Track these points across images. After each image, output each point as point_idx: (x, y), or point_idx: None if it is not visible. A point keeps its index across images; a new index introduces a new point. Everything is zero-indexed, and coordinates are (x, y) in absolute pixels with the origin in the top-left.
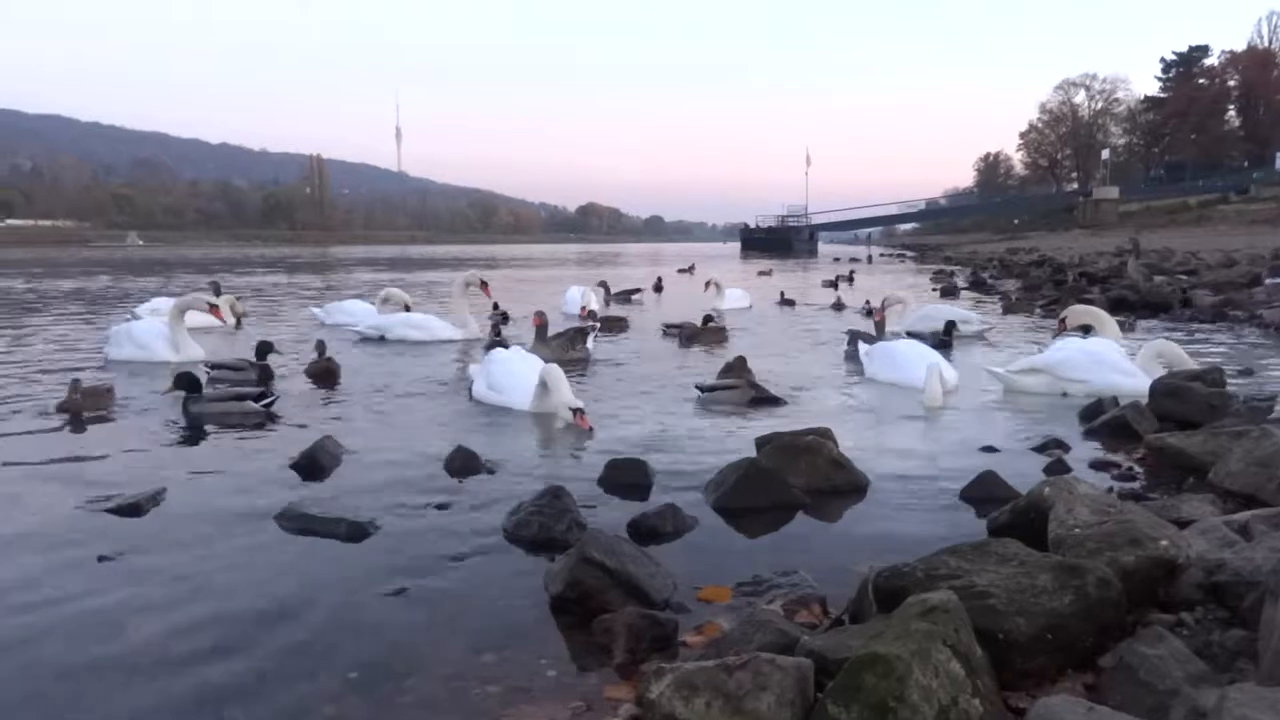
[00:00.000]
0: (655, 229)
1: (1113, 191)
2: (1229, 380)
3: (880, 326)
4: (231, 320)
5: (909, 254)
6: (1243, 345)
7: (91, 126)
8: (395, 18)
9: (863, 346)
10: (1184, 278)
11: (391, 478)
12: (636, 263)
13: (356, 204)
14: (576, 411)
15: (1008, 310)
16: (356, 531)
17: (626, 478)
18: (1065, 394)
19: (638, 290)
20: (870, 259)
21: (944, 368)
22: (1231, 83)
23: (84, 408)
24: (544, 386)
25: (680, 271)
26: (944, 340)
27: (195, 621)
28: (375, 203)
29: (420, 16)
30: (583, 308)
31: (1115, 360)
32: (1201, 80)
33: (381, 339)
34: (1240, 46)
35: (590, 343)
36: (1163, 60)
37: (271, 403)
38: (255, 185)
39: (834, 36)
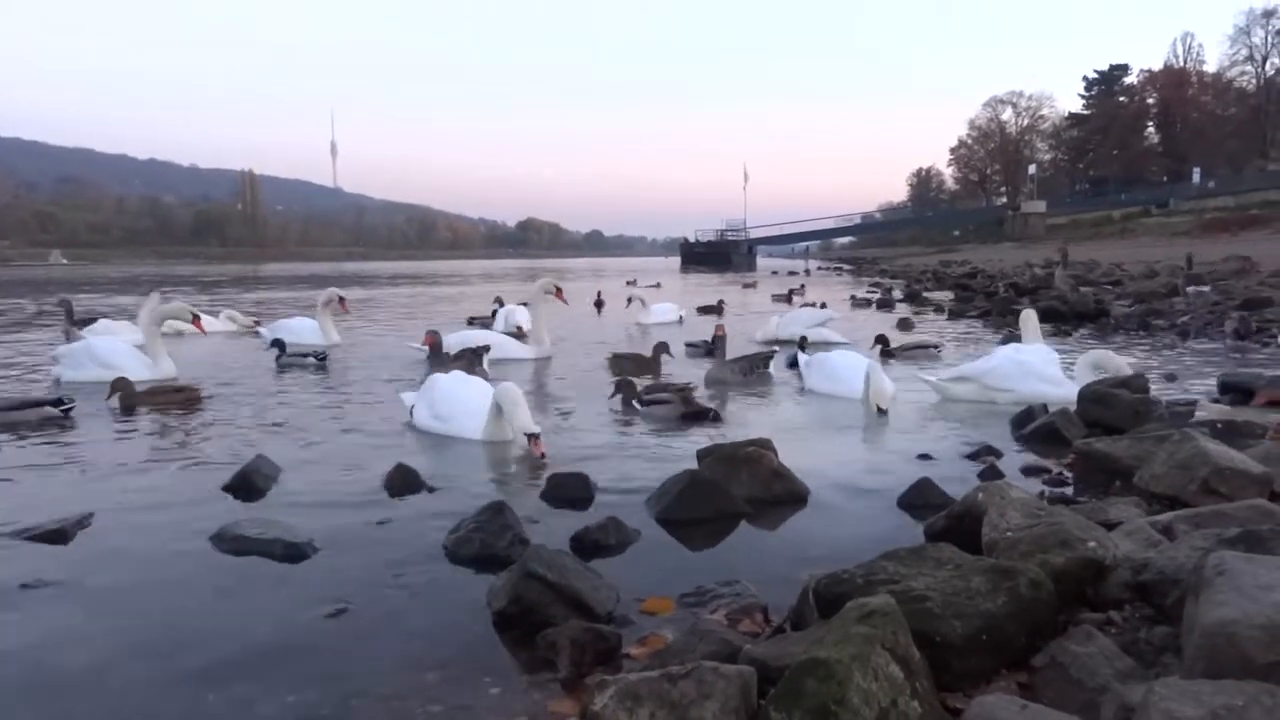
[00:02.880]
0: (596, 244)
1: (1040, 205)
2: (1153, 386)
3: (720, 343)
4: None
5: (846, 267)
6: (1165, 352)
7: (12, 142)
8: (331, 32)
9: (801, 358)
10: (1109, 288)
11: (329, 497)
12: (578, 277)
13: (291, 220)
14: (532, 437)
15: (952, 316)
16: (293, 552)
17: (568, 491)
18: (994, 402)
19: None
20: (808, 272)
21: (882, 372)
22: (1150, 100)
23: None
24: (498, 410)
25: (629, 284)
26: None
27: (126, 649)
28: (310, 219)
29: (356, 31)
30: (517, 326)
31: (1042, 369)
32: (1122, 98)
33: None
34: (1158, 65)
35: (485, 363)
36: (1085, 79)
37: (70, 409)
38: (185, 201)
39: (771, 55)
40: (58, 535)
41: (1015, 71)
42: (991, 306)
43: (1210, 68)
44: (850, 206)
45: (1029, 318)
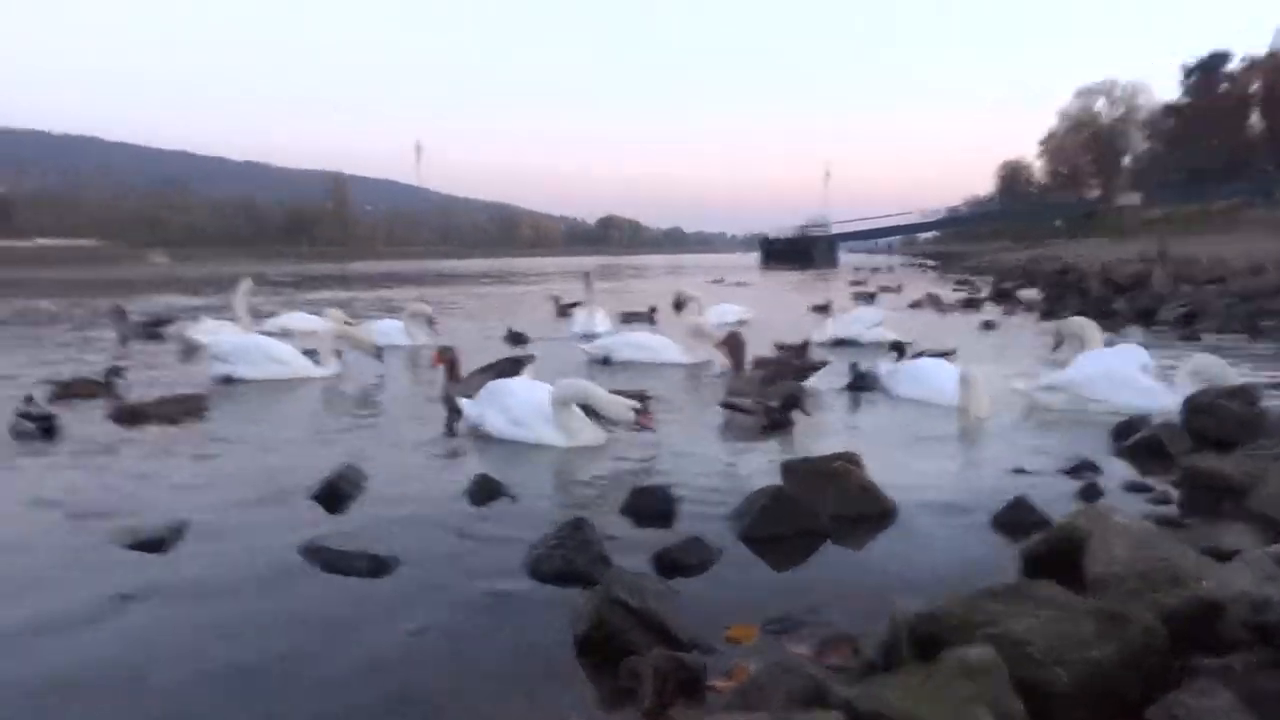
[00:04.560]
0: (675, 240)
1: (1134, 198)
2: (1266, 394)
3: (738, 350)
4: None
5: (930, 263)
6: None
7: (117, 146)
8: (417, 34)
9: (884, 367)
10: (1210, 286)
11: (413, 507)
12: (654, 274)
13: (378, 220)
14: (638, 412)
15: (1044, 316)
16: (378, 566)
17: (649, 506)
18: (1087, 411)
19: (652, 311)
20: (892, 269)
21: (978, 375)
22: (1253, 88)
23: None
24: (565, 407)
25: (714, 282)
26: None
27: (220, 666)
28: (397, 218)
29: (442, 34)
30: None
31: (1135, 379)
32: (1223, 86)
33: (606, 361)
34: (1262, 52)
35: (527, 375)
36: (1183, 66)
37: None
38: (277, 202)
39: (853, 51)
40: (155, 544)
41: (1109, 60)
42: (1086, 306)
43: None
44: (935, 202)
45: (1085, 327)
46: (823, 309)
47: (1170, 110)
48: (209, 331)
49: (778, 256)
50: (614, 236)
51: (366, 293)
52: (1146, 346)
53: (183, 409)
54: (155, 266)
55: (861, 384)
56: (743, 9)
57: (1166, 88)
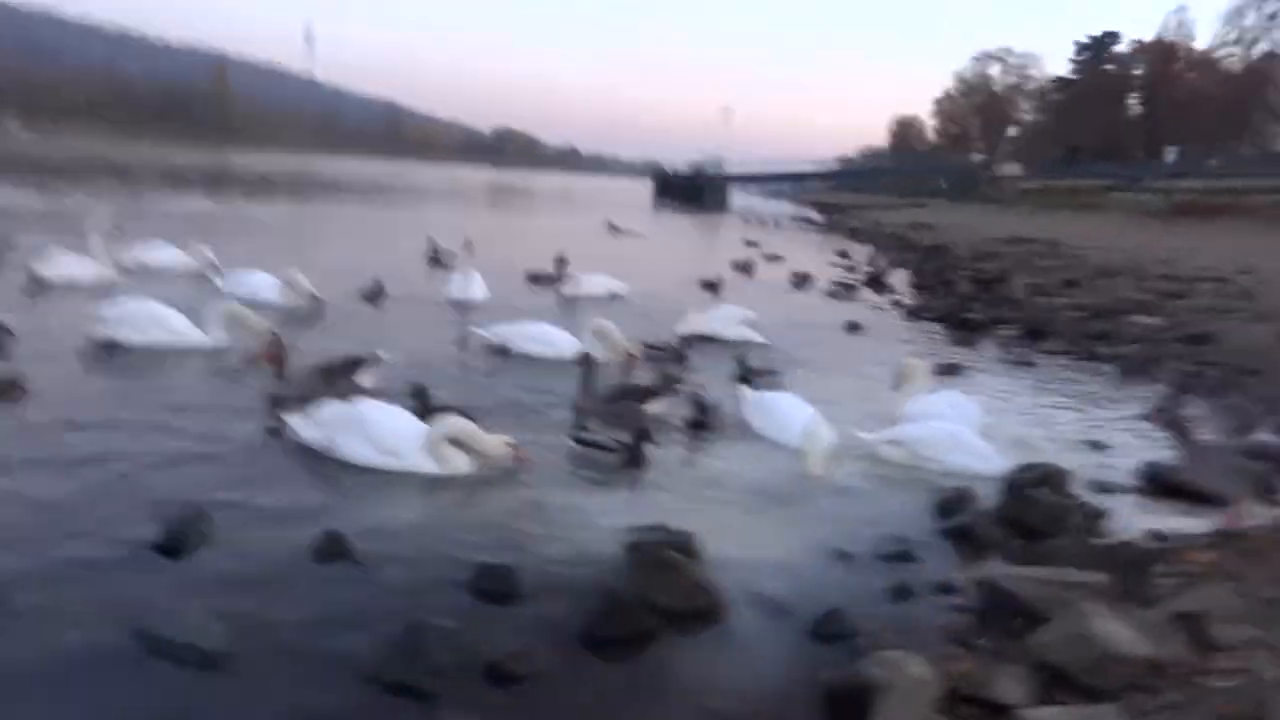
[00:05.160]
0: (570, 160)
1: (1015, 169)
2: (1078, 458)
3: (588, 370)
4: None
5: (817, 217)
6: (1102, 401)
7: None
8: None
9: (746, 394)
10: (1060, 300)
11: (255, 568)
12: (547, 203)
13: (260, 108)
14: (513, 446)
15: (911, 316)
16: (206, 662)
17: (494, 584)
18: (921, 469)
19: (561, 265)
20: (778, 223)
21: (824, 428)
22: (1137, 71)
23: None
24: (444, 441)
25: (613, 230)
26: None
27: None
28: (280, 108)
29: None
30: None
31: (969, 443)
32: (1109, 66)
33: (504, 352)
34: (1149, 37)
35: (371, 377)
36: (1076, 43)
37: None
38: (151, 78)
39: None
40: None
41: (1008, 27)
42: (949, 310)
43: (1200, 45)
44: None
45: (918, 371)
46: (712, 286)
47: (1058, 83)
48: (59, 266)
49: (671, 193)
50: (508, 149)
51: (237, 205)
52: (986, 370)
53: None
54: (7, 137)
55: (703, 418)
56: None
57: (1059, 64)
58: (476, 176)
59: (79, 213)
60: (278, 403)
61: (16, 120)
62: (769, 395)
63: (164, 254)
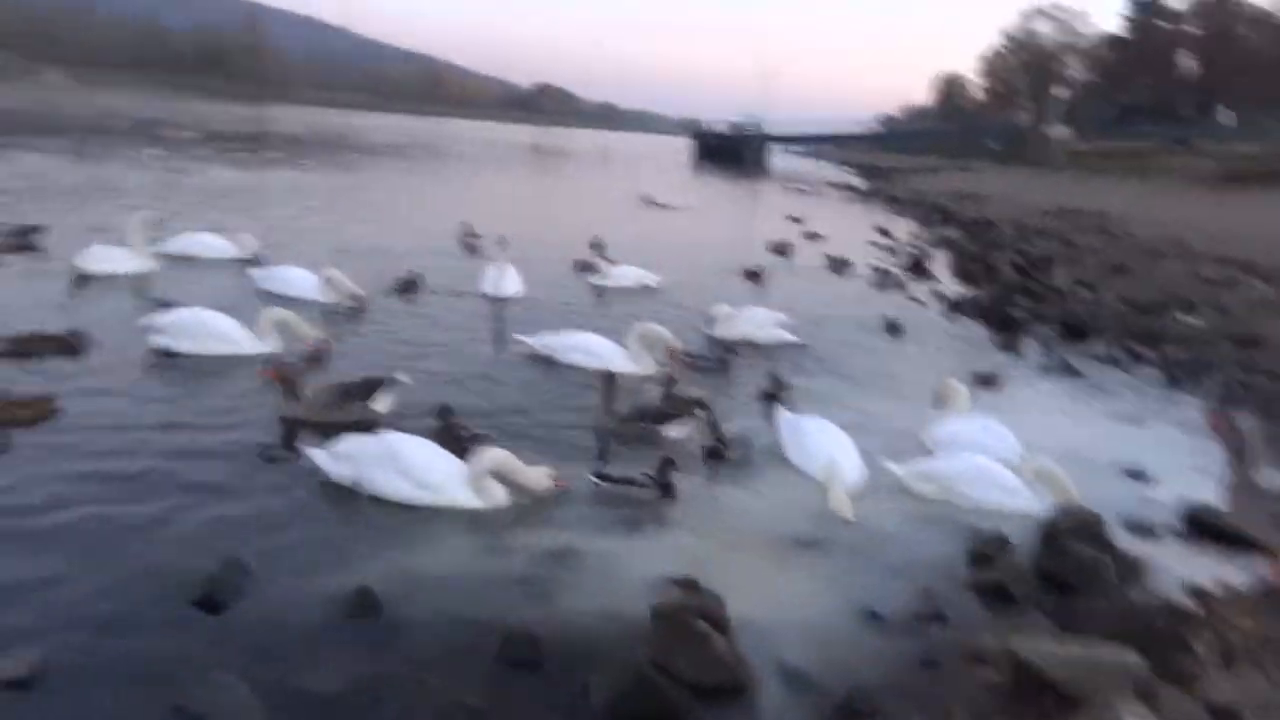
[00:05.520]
0: (608, 116)
1: (1063, 132)
2: (1114, 487)
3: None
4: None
5: (857, 183)
6: (1146, 417)
7: None
8: None
9: (779, 415)
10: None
11: (284, 626)
12: (581, 165)
13: (297, 59)
14: (553, 479)
15: (951, 311)
16: None
17: (518, 652)
18: (954, 504)
19: (596, 251)
20: (817, 189)
21: (848, 463)
22: (1192, 30)
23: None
24: (487, 476)
25: (650, 205)
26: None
27: None
28: (316, 59)
29: None
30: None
31: (1003, 478)
32: (1162, 23)
33: (549, 361)
34: None
35: (387, 401)
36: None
37: None
38: (187, 29)
39: None
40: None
41: None
42: (991, 304)
43: (1260, 1)
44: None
45: (955, 393)
46: (754, 276)
47: (1110, 42)
48: (99, 259)
49: (710, 154)
50: (547, 105)
51: (274, 172)
52: (1026, 379)
53: (26, 412)
54: (48, 89)
55: (721, 447)
56: None
57: (1110, 20)
58: (515, 134)
59: (118, 186)
60: (291, 427)
61: (58, 73)
62: (799, 420)
63: (206, 243)
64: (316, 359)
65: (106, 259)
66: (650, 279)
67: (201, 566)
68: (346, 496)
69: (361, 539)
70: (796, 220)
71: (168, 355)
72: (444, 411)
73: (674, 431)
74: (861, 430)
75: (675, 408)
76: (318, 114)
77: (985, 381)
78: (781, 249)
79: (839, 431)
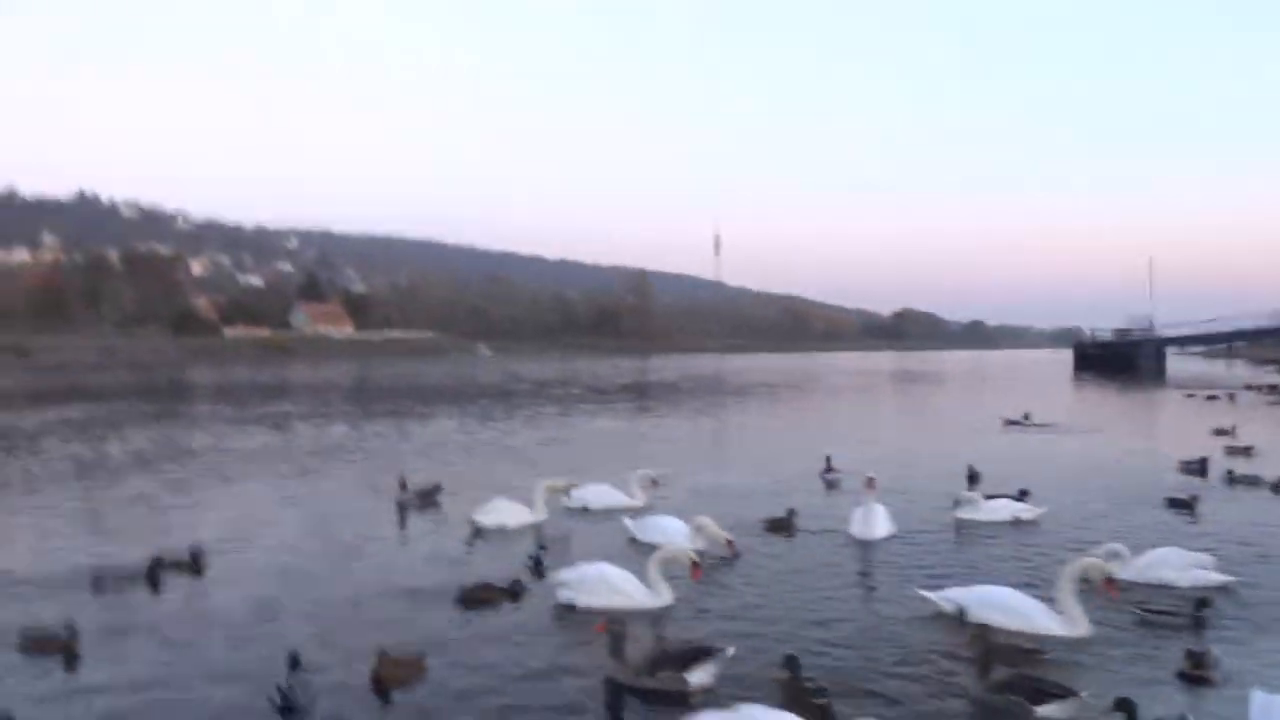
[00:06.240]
0: (976, 335)
1: None
2: None
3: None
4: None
5: None
6: None
7: (453, 249)
8: (711, 137)
9: (1261, 700)
10: None
11: None
12: (955, 381)
13: (675, 313)
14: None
15: None
16: None
17: None
18: None
19: (1022, 495)
20: (1232, 397)
21: None
22: None
23: None
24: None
25: (1010, 423)
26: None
27: None
28: (693, 312)
29: (733, 133)
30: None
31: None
32: None
33: (961, 618)
34: None
35: (711, 671)
36: None
37: None
38: (586, 296)
39: (1181, 115)
40: None
41: None
42: None
43: None
44: None
45: None
46: (1184, 506)
47: None
48: (496, 512)
49: (1093, 362)
50: (910, 330)
51: (654, 420)
52: None
53: (401, 670)
54: (479, 361)
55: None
56: (1052, 85)
57: None
58: (878, 361)
59: (511, 445)
60: (614, 691)
61: (485, 346)
62: (1273, 701)
63: (608, 496)
64: (614, 629)
65: (501, 511)
66: (1026, 511)
67: None
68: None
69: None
70: (1223, 432)
71: (570, 609)
72: (790, 663)
73: (699, 675)
74: None
75: (697, 649)
76: (693, 359)
77: None
78: (1196, 467)
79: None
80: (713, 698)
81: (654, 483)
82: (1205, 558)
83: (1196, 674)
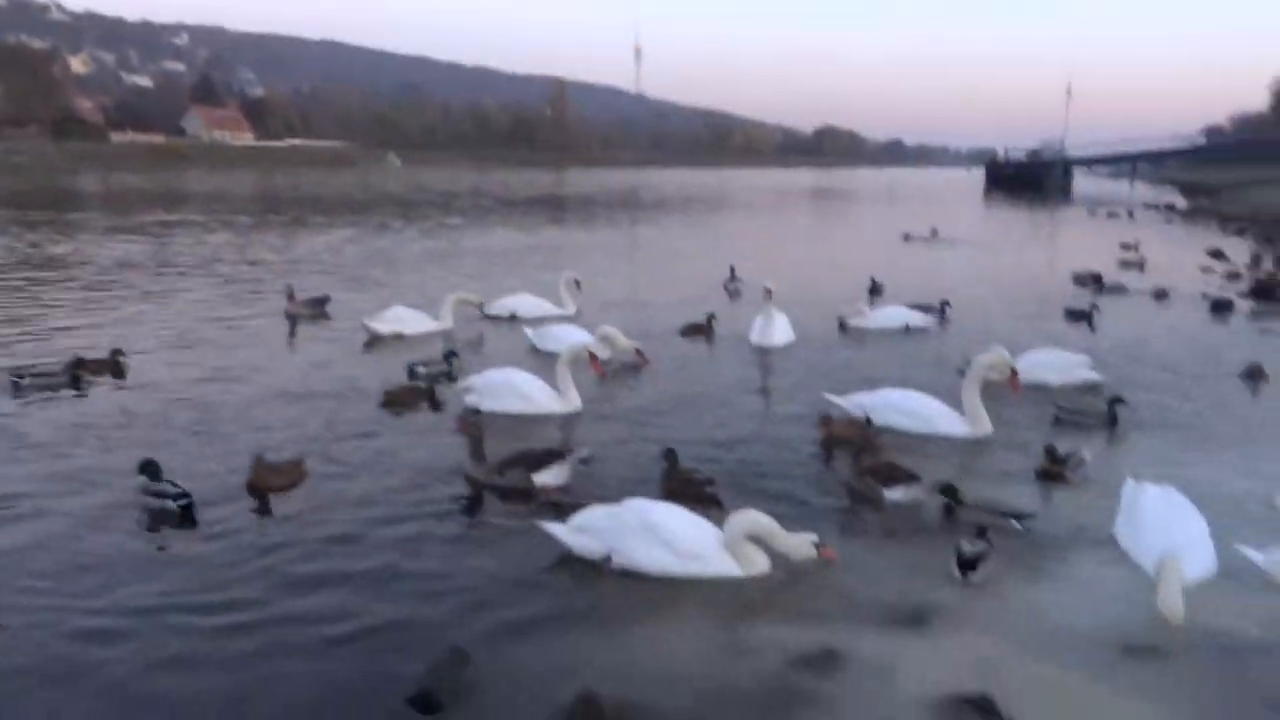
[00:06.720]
0: (894, 154)
1: None
2: None
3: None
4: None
5: (1178, 203)
6: None
7: (361, 51)
8: None
9: (1130, 488)
10: None
11: None
12: (868, 202)
13: (594, 127)
14: (819, 547)
15: None
16: None
17: None
18: None
19: (943, 306)
20: (1131, 214)
21: (1194, 550)
22: None
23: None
24: (739, 544)
25: (907, 240)
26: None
27: None
28: (613, 125)
29: None
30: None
31: None
32: None
33: (867, 422)
34: None
35: (562, 472)
36: None
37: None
38: (501, 107)
39: None
40: None
41: None
42: None
43: None
44: (1192, 114)
45: None
46: (1082, 316)
47: None
48: (396, 320)
49: (1004, 182)
50: (829, 147)
51: (575, 232)
52: None
53: (279, 476)
54: (389, 170)
55: (972, 561)
56: None
57: None
58: (797, 178)
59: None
60: (475, 488)
61: (395, 155)
62: (1141, 490)
63: (533, 305)
64: (471, 428)
65: (399, 319)
66: (918, 320)
67: (428, 662)
68: (586, 572)
69: (596, 626)
70: (1128, 247)
71: (476, 413)
72: (669, 455)
73: (547, 475)
74: (1210, 502)
75: (547, 452)
76: (610, 174)
77: None
78: (1091, 279)
79: (1187, 506)
80: (608, 493)
81: (577, 284)
82: (1083, 358)
83: (1054, 470)
